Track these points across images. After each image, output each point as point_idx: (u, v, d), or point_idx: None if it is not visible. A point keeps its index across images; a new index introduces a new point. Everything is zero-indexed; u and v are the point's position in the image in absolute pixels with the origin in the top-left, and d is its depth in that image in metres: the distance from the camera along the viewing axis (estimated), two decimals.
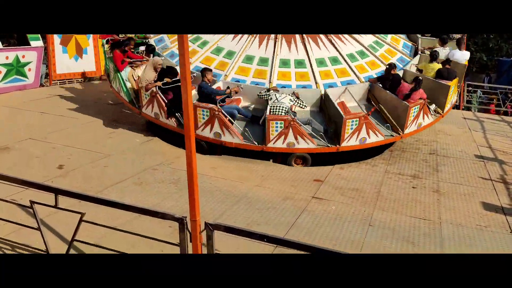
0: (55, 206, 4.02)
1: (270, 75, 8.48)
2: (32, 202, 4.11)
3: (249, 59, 8.74)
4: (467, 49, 10.27)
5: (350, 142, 7.60)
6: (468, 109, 15.76)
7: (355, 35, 9.49)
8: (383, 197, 6.43)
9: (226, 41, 9.02)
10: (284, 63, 8.69)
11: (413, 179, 7.23)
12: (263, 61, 8.68)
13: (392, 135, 8.09)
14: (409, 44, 10.39)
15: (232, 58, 8.75)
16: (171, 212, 3.86)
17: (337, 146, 7.57)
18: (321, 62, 8.80)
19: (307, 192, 6.47)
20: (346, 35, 9.43)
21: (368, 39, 9.59)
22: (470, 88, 16.81)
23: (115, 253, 3.98)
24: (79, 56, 13.87)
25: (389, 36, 10.06)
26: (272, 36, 8.98)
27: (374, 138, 7.77)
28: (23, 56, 11.68)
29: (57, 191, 4.05)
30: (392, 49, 9.79)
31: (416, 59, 9.59)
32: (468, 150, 9.07)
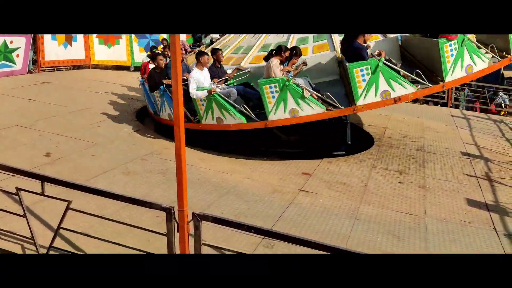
0: (42, 194, 4.00)
1: None
2: (18, 189, 4.08)
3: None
4: None
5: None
6: (456, 106, 15.91)
7: None
8: (369, 192, 6.49)
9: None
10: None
11: (400, 175, 7.30)
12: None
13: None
14: None
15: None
16: (159, 202, 3.86)
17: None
18: None
19: (295, 185, 6.51)
20: None
21: None
22: (458, 86, 16.96)
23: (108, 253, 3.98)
24: (69, 43, 13.74)
25: None
26: None
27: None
28: (11, 42, 11.54)
29: (43, 179, 4.03)
30: None
31: None
32: (455, 147, 9.18)
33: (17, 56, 11.72)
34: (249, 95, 7.60)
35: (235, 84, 7.90)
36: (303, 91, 6.87)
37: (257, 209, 5.60)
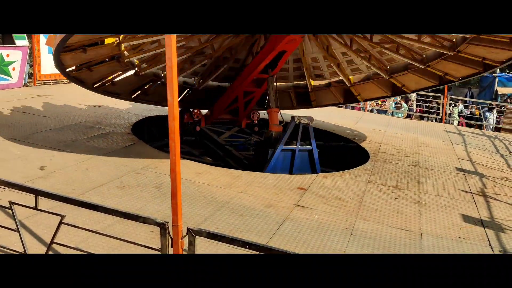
0: (35, 208, 3.97)
1: None
2: (11, 203, 4.04)
3: None
4: None
5: None
6: (450, 122, 16.03)
7: None
8: (365, 207, 6.48)
9: None
10: None
11: (395, 190, 7.30)
12: None
13: None
14: None
15: None
16: (153, 216, 3.83)
17: None
18: None
19: (291, 200, 6.49)
20: None
21: None
22: (451, 102, 17.13)
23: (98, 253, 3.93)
24: None
25: None
26: None
27: None
28: (8, 55, 11.56)
29: (37, 192, 3.99)
30: None
31: None
32: (450, 163, 9.21)
33: (13, 69, 11.73)
34: None
35: None
36: None
37: (253, 224, 5.57)
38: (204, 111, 10.10)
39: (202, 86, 10.20)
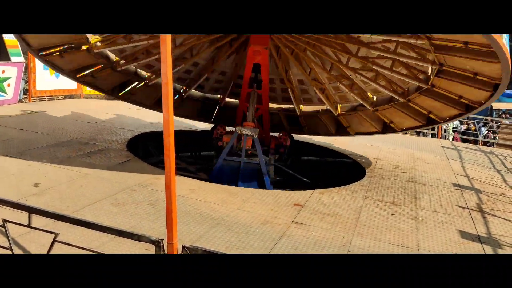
0: (28, 226, 3.91)
1: None
2: (4, 221, 3.98)
3: None
4: None
5: None
6: (446, 137, 16.08)
7: None
8: (362, 223, 6.44)
9: None
10: None
11: (392, 206, 7.27)
12: None
13: None
14: None
15: None
16: (148, 234, 3.77)
17: None
18: None
19: (287, 216, 6.44)
20: None
21: None
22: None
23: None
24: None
25: None
26: None
27: None
28: (3, 71, 11.54)
29: (30, 210, 3.94)
30: None
31: None
32: (446, 178, 9.20)
33: (8, 85, 11.71)
34: None
35: None
36: None
37: (249, 241, 5.51)
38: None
39: (186, 95, 10.26)
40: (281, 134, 9.85)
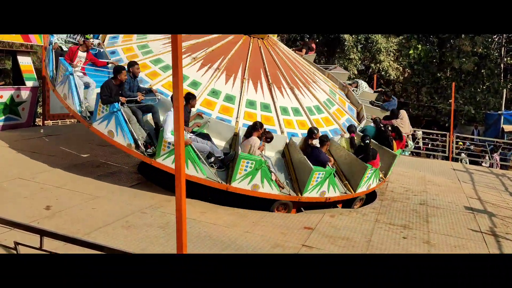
0: (40, 248, 3.94)
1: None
2: (16, 243, 4.02)
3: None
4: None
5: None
6: (456, 160, 15.95)
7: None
8: (373, 247, 6.37)
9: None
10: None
11: (403, 229, 7.19)
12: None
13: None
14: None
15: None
16: None
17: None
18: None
19: (298, 239, 6.40)
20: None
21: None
22: (458, 140, 17.12)
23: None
24: None
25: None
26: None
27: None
28: (17, 96, 11.75)
29: (42, 233, 3.98)
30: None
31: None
32: (458, 201, 9.10)
33: (23, 109, 11.90)
34: (214, 152, 7.71)
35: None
36: (271, 175, 7.51)
37: None
38: None
39: None
40: None
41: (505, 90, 23.26)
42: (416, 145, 18.77)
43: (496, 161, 16.12)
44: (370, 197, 9.13)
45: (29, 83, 12.10)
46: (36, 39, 12.36)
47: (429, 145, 18.80)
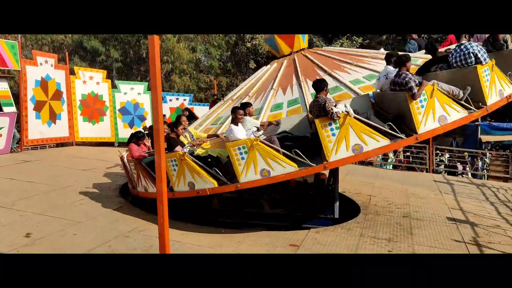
0: None
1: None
2: None
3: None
4: None
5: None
6: (436, 171, 16.16)
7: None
8: None
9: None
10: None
11: (388, 243, 7.22)
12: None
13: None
14: None
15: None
16: None
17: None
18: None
19: None
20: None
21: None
22: (438, 152, 17.37)
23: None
24: (53, 121, 13.83)
25: None
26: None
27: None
28: None
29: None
30: None
31: None
32: (440, 212, 9.19)
33: (0, 135, 11.71)
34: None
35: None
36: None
37: None
38: None
39: None
40: None
41: None
42: (397, 158, 18.99)
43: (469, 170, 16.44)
44: (354, 211, 9.16)
45: (7, 109, 11.93)
46: (13, 64, 12.22)
47: (410, 158, 19.05)
